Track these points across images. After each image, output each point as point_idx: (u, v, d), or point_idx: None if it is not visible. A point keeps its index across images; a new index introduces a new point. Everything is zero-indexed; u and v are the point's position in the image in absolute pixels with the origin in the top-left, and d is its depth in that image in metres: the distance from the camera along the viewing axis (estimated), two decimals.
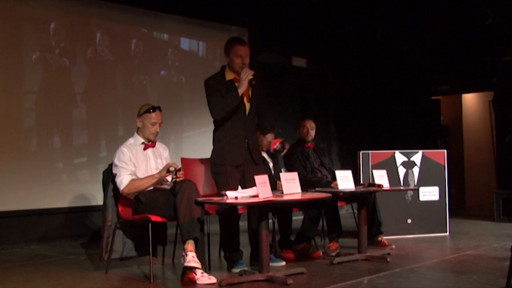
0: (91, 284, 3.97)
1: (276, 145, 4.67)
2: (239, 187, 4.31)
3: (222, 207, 4.23)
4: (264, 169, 4.52)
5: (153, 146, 4.31)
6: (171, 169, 4.07)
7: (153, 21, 6.96)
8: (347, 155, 9.09)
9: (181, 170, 4.11)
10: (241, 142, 4.30)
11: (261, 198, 3.66)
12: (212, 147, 4.38)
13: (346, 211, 7.61)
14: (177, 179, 4.03)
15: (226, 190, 3.91)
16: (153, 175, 4.13)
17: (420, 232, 6.00)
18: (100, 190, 4.36)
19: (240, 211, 4.57)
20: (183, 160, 4.80)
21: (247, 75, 4.18)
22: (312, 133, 5.45)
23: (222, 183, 4.25)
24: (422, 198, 6.08)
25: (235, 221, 4.34)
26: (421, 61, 8.72)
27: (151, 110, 4.22)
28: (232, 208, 4.24)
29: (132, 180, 4.09)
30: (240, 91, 4.18)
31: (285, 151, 4.84)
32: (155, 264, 4.26)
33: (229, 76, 4.33)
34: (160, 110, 4.27)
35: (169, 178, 4.16)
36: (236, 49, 4.27)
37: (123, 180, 4.08)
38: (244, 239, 4.43)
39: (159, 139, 4.40)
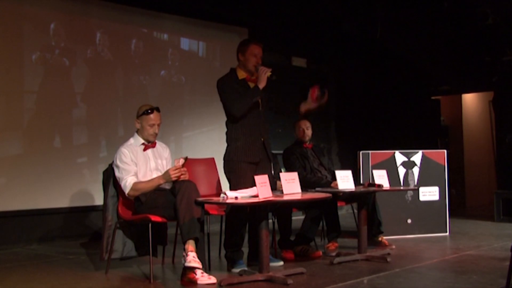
0: (91, 284, 3.98)
1: (316, 93, 4.57)
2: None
3: (230, 206, 4.21)
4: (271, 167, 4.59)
5: (153, 146, 4.31)
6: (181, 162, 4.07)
7: (153, 21, 6.95)
8: (347, 155, 9.08)
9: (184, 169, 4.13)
10: (258, 139, 4.34)
11: (261, 198, 3.66)
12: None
13: (346, 211, 7.61)
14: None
15: (239, 188, 3.96)
16: (158, 179, 4.09)
17: (420, 232, 6.00)
18: (100, 190, 4.36)
19: None
20: None
21: (265, 71, 4.25)
22: (309, 132, 5.45)
23: (235, 181, 4.25)
24: (422, 198, 6.08)
25: (243, 221, 4.33)
26: (421, 61, 8.71)
27: (149, 111, 4.21)
28: (241, 207, 4.22)
29: (135, 183, 4.09)
30: (261, 86, 4.24)
31: (325, 98, 4.63)
32: (155, 264, 4.26)
33: (241, 75, 4.37)
34: (158, 111, 4.25)
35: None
36: (253, 48, 4.36)
37: (126, 184, 4.08)
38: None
39: (158, 140, 4.40)
